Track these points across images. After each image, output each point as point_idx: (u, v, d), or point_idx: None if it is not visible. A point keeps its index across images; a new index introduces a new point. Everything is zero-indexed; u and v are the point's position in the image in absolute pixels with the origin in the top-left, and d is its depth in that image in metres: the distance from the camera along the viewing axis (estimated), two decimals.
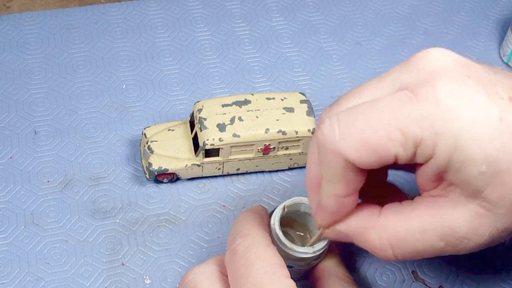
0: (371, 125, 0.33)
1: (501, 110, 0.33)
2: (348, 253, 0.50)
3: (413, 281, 0.49)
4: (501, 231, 0.34)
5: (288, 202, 0.44)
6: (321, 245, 0.43)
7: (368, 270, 0.49)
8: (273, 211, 0.44)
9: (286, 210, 0.44)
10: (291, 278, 0.47)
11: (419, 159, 0.34)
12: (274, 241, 0.43)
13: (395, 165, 0.36)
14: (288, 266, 0.43)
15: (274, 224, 0.43)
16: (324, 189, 0.36)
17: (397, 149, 0.33)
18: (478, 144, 0.32)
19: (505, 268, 0.50)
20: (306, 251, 0.42)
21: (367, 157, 0.34)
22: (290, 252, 0.42)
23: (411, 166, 0.36)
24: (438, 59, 0.35)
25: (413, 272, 0.49)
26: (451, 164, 0.33)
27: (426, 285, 0.49)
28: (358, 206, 0.38)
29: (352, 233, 0.38)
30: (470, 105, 0.33)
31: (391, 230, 0.36)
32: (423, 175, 0.35)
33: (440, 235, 0.35)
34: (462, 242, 0.35)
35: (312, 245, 0.42)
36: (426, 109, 0.33)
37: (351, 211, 0.37)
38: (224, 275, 0.40)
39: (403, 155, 0.33)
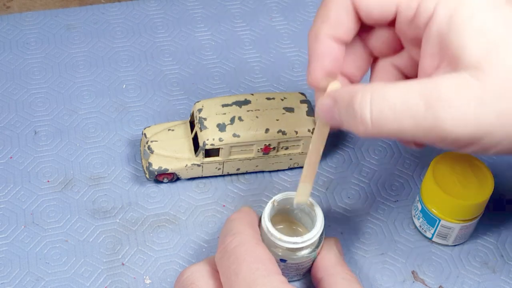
0: None
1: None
2: (348, 253, 0.50)
3: (413, 281, 0.49)
4: (485, 105, 0.34)
5: (278, 196, 0.45)
6: (310, 235, 0.43)
7: (368, 270, 0.49)
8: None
9: (276, 204, 0.45)
10: (290, 276, 0.47)
11: (420, 18, 0.36)
12: (265, 235, 0.43)
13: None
14: (281, 260, 0.44)
15: (264, 217, 0.43)
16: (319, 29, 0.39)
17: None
18: (479, 11, 0.34)
19: (505, 268, 0.50)
20: (295, 241, 0.43)
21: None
22: (280, 243, 0.43)
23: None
24: None
25: (413, 272, 0.49)
26: (451, 25, 0.35)
27: (426, 285, 0.49)
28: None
29: (342, 96, 0.38)
30: None
31: (375, 88, 0.36)
32: (426, 46, 0.37)
33: (422, 92, 0.34)
34: (443, 107, 0.34)
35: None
36: None
37: (341, 62, 0.40)
38: (217, 273, 0.41)
39: (405, 7, 0.37)
